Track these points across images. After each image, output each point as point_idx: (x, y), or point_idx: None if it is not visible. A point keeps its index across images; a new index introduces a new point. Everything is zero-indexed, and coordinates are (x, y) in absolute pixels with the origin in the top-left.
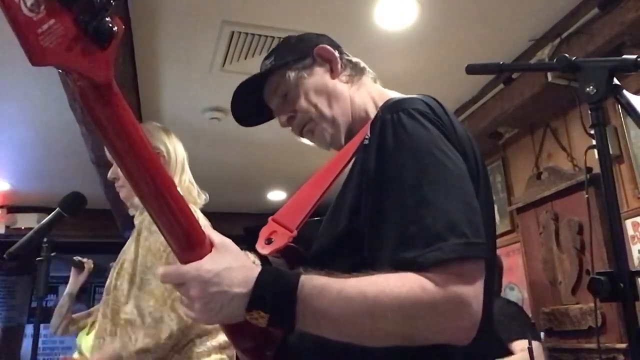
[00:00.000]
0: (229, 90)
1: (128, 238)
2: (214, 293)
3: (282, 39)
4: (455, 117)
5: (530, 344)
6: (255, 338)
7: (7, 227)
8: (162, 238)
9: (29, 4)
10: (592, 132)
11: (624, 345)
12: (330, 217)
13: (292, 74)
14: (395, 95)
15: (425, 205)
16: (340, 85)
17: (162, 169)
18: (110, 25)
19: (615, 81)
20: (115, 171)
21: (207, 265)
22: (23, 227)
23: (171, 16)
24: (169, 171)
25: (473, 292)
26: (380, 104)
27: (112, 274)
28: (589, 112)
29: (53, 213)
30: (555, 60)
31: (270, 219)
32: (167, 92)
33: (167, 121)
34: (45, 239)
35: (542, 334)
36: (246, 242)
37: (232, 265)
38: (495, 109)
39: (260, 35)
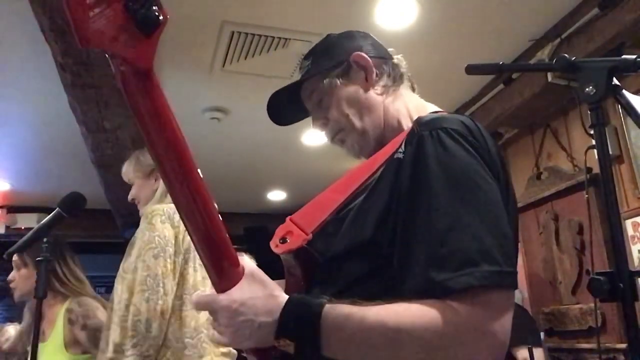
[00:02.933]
0: (229, 90)
1: (128, 238)
2: (241, 322)
3: (323, 37)
4: (490, 136)
5: (531, 352)
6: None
7: (7, 227)
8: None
9: None
10: (592, 132)
11: (624, 345)
12: (352, 222)
13: (326, 82)
14: (431, 108)
15: (459, 228)
16: (373, 95)
17: (194, 164)
18: (157, 13)
19: (615, 81)
20: (134, 193)
21: (236, 295)
22: (23, 227)
23: (171, 16)
24: (160, 185)
25: (499, 322)
26: (415, 116)
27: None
28: (589, 112)
29: (53, 213)
30: (555, 60)
31: (288, 218)
32: (167, 92)
33: None
34: (45, 239)
35: (542, 334)
36: (246, 242)
37: (258, 294)
38: (495, 109)
39: (260, 35)
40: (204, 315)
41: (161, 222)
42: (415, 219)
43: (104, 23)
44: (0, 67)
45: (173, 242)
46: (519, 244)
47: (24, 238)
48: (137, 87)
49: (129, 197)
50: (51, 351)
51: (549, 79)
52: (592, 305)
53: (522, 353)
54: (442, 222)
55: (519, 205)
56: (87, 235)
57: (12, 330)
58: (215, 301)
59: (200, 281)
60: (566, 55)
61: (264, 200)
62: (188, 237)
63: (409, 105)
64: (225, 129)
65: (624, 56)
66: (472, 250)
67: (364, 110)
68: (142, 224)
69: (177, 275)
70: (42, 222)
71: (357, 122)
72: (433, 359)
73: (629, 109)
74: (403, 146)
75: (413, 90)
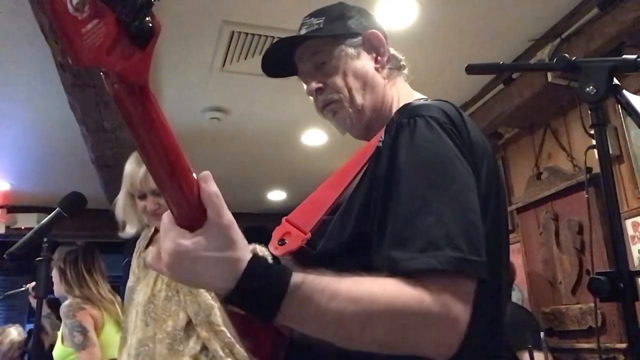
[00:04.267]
0: (229, 90)
1: (128, 239)
2: (185, 271)
3: (336, 3)
4: (474, 126)
5: (531, 354)
6: (259, 337)
7: (7, 227)
8: None
9: (74, 3)
10: (592, 132)
11: (624, 345)
12: (340, 218)
13: (337, 48)
14: (418, 96)
15: (426, 212)
16: (378, 77)
17: (189, 170)
18: (151, 25)
19: (615, 81)
20: (155, 201)
21: (188, 243)
22: (23, 227)
23: (171, 16)
24: None
25: (463, 308)
26: (401, 104)
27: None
28: (589, 112)
29: (53, 213)
30: (555, 60)
31: (284, 219)
32: (167, 92)
33: None
34: (45, 239)
35: (542, 335)
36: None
37: (215, 254)
38: (495, 109)
39: (260, 35)
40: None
41: None
42: (387, 205)
43: (97, 39)
44: (0, 67)
45: None
46: (519, 243)
47: (24, 238)
48: (133, 103)
49: (153, 208)
50: (58, 343)
51: (549, 79)
52: (592, 305)
53: (526, 356)
54: (409, 206)
55: (519, 205)
56: (87, 235)
57: (13, 331)
58: (170, 236)
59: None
60: (566, 55)
61: (264, 200)
62: None
63: (400, 94)
64: (225, 129)
65: (624, 56)
66: (437, 234)
67: (368, 88)
68: None
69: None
70: (42, 222)
71: (359, 98)
72: (400, 336)
73: (629, 108)
74: (383, 135)
75: (406, 80)
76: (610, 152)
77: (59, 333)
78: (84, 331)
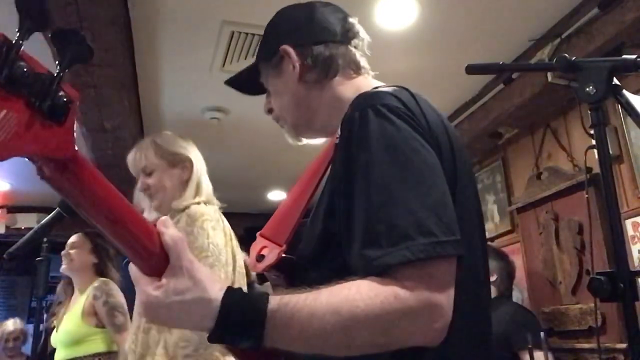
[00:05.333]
0: (229, 90)
1: None
2: (166, 317)
3: (280, 10)
4: (430, 107)
5: (531, 353)
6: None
7: (7, 227)
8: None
9: None
10: (592, 132)
11: (624, 345)
12: (311, 223)
13: (263, 71)
14: (375, 84)
15: (392, 204)
16: (303, 87)
17: (143, 221)
18: (65, 99)
19: (615, 81)
20: (152, 182)
21: (160, 293)
22: (23, 227)
23: (171, 16)
24: (192, 178)
25: (444, 292)
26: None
27: None
28: (589, 112)
29: (53, 213)
30: (555, 60)
31: (258, 234)
32: (167, 92)
33: (167, 121)
34: (45, 239)
35: (542, 335)
36: (247, 242)
37: (186, 297)
38: (495, 109)
39: (260, 35)
40: None
41: (212, 229)
42: (351, 203)
43: (9, 130)
44: None
45: (224, 250)
46: (519, 243)
47: (24, 238)
48: (68, 180)
49: (141, 187)
50: (68, 318)
51: (549, 79)
52: (592, 305)
53: (527, 356)
54: (374, 200)
55: (519, 205)
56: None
57: (10, 323)
58: (140, 287)
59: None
60: (566, 55)
61: (264, 200)
62: (234, 242)
63: (354, 88)
64: (225, 129)
65: (624, 56)
66: (407, 224)
67: (293, 102)
68: (184, 224)
69: None
70: (42, 222)
71: (289, 116)
72: (387, 336)
73: (629, 108)
74: (339, 131)
75: (359, 71)
76: (610, 152)
77: (70, 308)
78: (124, 313)
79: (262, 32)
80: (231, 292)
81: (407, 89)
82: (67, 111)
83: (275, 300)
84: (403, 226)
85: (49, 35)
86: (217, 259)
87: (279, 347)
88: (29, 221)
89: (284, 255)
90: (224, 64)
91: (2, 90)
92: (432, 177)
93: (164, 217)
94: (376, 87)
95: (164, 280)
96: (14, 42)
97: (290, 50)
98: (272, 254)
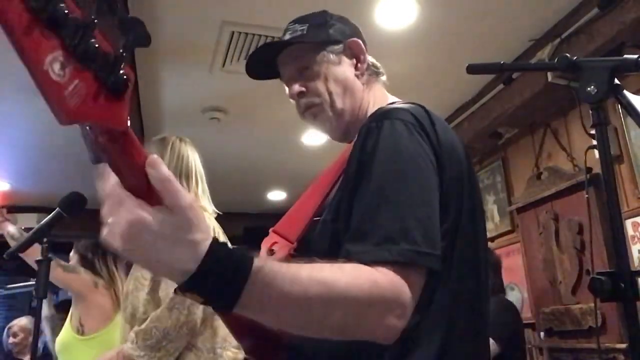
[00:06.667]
0: (229, 90)
1: None
2: (140, 248)
3: (319, 11)
4: (445, 127)
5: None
6: (257, 337)
7: None
8: None
9: (56, 69)
10: (593, 132)
11: (624, 345)
12: (322, 223)
13: (320, 54)
14: (392, 100)
15: (384, 208)
16: (358, 83)
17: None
18: (125, 76)
19: (616, 81)
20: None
21: (148, 219)
22: (23, 227)
23: (171, 16)
24: (190, 184)
25: (411, 298)
26: (375, 109)
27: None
28: (590, 112)
29: (53, 213)
30: (556, 60)
31: (271, 230)
32: (167, 92)
33: (167, 121)
34: (45, 239)
35: (542, 334)
36: (246, 242)
37: (177, 234)
38: (495, 109)
39: (260, 35)
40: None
41: None
42: (352, 203)
43: (79, 98)
44: (1, 68)
45: None
46: (519, 243)
47: (24, 238)
48: (117, 150)
49: None
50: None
51: (549, 79)
52: (592, 305)
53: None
54: (370, 203)
55: (519, 205)
56: (87, 235)
57: (24, 319)
58: (127, 207)
59: None
60: (567, 55)
61: (264, 200)
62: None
63: (376, 99)
64: (225, 129)
65: (624, 56)
66: (394, 229)
67: (348, 93)
68: None
69: None
70: (42, 222)
71: (339, 102)
72: (358, 319)
73: (629, 108)
74: (355, 139)
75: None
76: (611, 152)
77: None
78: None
79: (262, 32)
80: (219, 243)
81: (422, 107)
82: (126, 88)
83: (261, 260)
84: (390, 229)
85: (116, 20)
86: None
87: (251, 311)
88: (29, 221)
89: (292, 253)
90: (224, 64)
91: (78, 64)
92: (429, 196)
93: (152, 156)
94: (393, 102)
95: (161, 208)
96: (93, 21)
97: (361, 44)
98: (282, 250)
